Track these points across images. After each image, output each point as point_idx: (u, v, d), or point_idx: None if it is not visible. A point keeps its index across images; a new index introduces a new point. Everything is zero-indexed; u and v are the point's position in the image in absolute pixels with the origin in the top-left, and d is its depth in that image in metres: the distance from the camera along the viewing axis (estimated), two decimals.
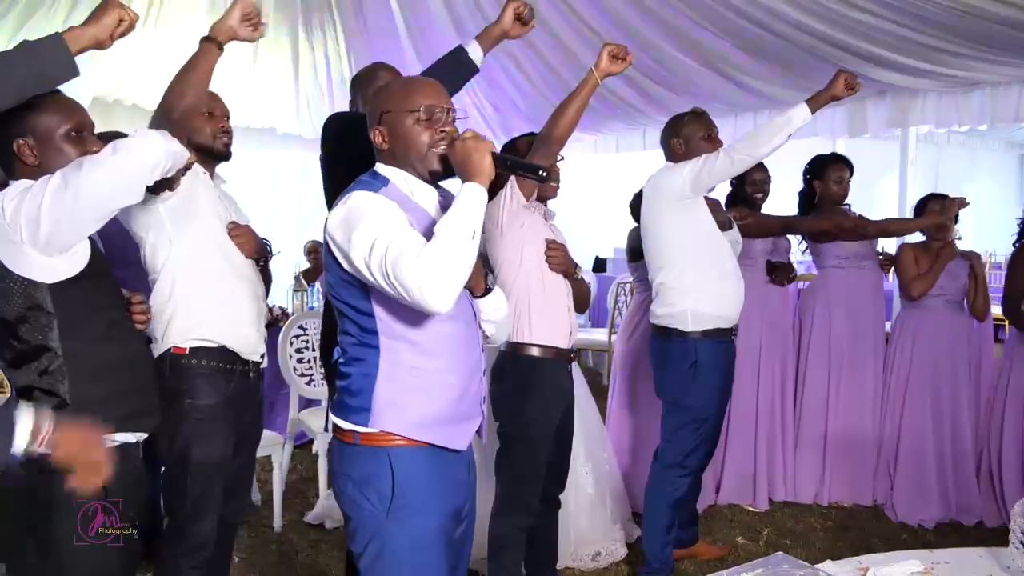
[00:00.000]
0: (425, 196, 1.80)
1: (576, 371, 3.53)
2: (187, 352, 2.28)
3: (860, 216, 3.92)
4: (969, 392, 3.87)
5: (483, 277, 1.87)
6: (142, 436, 1.92)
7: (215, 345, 2.30)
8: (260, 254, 2.45)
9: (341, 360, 1.81)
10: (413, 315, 1.70)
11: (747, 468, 3.99)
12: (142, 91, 5.95)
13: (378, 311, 1.72)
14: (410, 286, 1.57)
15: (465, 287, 1.80)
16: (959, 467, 3.86)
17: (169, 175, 1.94)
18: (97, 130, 1.95)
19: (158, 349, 2.29)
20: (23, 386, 1.78)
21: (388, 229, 1.64)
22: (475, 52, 2.48)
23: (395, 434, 1.72)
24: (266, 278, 2.51)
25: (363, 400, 1.73)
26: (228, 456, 2.35)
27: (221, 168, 2.49)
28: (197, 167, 2.32)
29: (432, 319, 1.71)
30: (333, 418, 1.80)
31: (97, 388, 1.81)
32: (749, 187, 3.85)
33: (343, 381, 1.79)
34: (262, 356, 2.46)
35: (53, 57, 1.70)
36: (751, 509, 3.95)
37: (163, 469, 2.37)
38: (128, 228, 2.31)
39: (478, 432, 1.88)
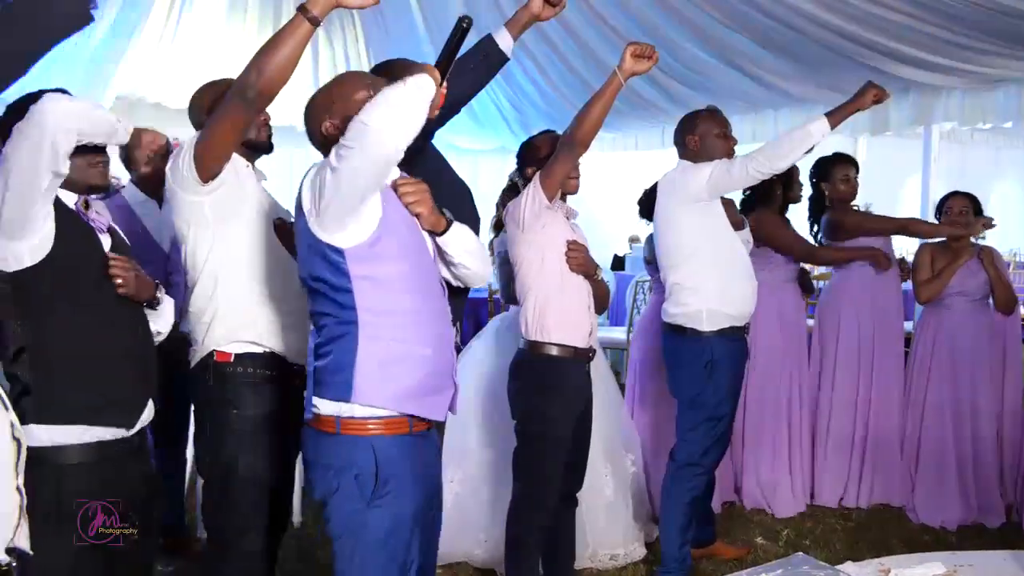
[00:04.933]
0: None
1: (607, 371, 3.50)
2: (232, 359, 2.12)
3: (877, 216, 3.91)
4: (992, 392, 3.82)
5: (440, 214, 1.90)
6: (121, 433, 1.85)
7: (262, 351, 2.14)
8: None
9: (319, 341, 1.83)
10: (388, 291, 1.77)
11: (767, 473, 3.94)
12: (165, 89, 5.99)
13: (355, 286, 1.76)
14: (369, 119, 1.65)
15: (430, 233, 1.88)
16: (980, 468, 3.81)
17: (97, 142, 1.83)
18: None
19: (198, 353, 2.14)
20: None
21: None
22: (504, 41, 2.34)
23: (372, 418, 1.77)
24: None
25: (346, 376, 1.77)
26: (277, 469, 2.19)
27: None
28: (240, 160, 2.19)
29: (403, 294, 1.78)
30: (315, 402, 1.81)
31: (64, 378, 1.76)
32: None
33: (322, 361, 1.81)
34: None
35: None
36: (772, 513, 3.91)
37: (201, 482, 2.23)
38: (170, 223, 2.17)
39: (450, 408, 1.91)
